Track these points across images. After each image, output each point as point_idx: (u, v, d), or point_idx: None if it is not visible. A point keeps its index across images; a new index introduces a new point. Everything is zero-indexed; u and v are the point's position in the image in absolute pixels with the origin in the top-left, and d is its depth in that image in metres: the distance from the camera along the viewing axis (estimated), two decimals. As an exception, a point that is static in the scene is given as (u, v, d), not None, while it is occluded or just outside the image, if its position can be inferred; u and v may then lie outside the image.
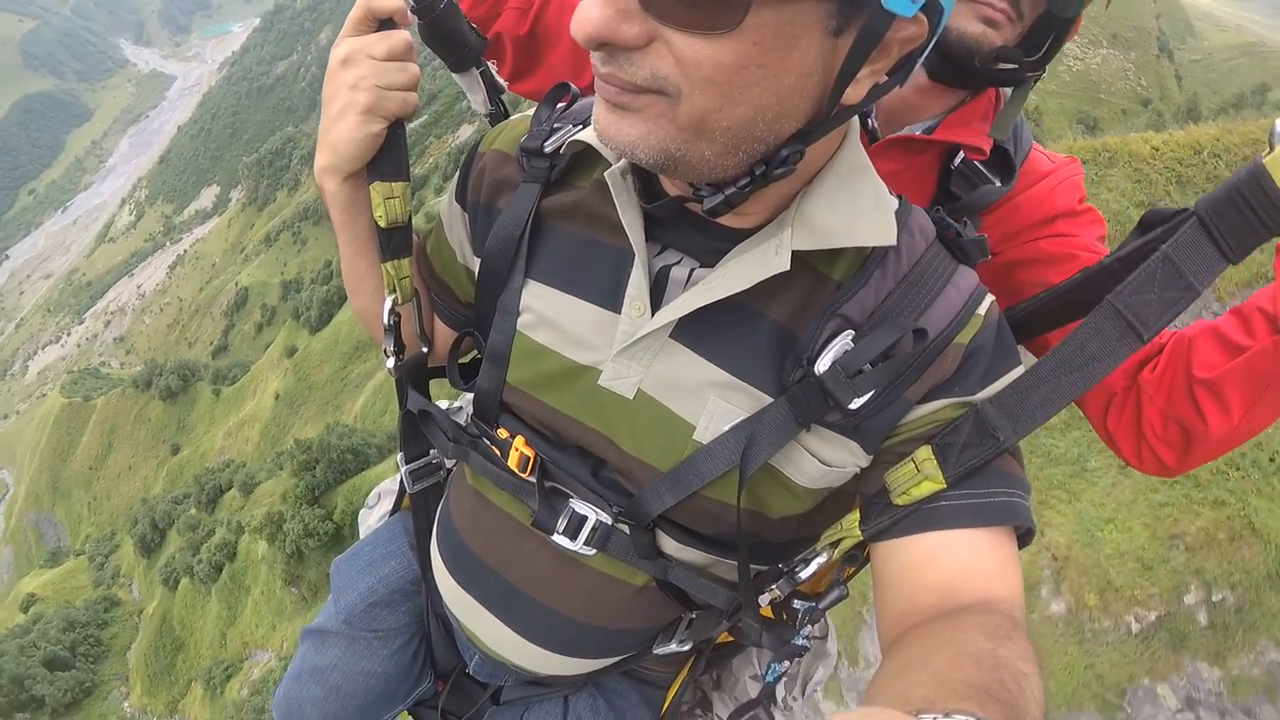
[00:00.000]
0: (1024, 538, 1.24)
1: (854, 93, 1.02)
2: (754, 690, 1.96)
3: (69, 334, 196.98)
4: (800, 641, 1.50)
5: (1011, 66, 1.71)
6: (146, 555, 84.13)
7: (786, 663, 1.67)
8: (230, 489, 72.23)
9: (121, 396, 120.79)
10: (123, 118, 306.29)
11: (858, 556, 1.38)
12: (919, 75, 1.78)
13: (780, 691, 1.83)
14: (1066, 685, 13.71)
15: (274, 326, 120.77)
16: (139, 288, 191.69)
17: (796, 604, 1.50)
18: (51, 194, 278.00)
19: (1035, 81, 1.80)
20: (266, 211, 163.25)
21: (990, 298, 1.25)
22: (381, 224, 1.50)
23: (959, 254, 1.27)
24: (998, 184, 1.81)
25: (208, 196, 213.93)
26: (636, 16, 0.91)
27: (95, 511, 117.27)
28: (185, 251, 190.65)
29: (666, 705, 1.86)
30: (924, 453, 1.20)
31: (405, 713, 2.09)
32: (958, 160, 1.82)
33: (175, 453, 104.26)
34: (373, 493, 2.31)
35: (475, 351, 1.73)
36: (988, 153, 1.83)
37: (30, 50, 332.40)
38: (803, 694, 1.90)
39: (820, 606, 1.45)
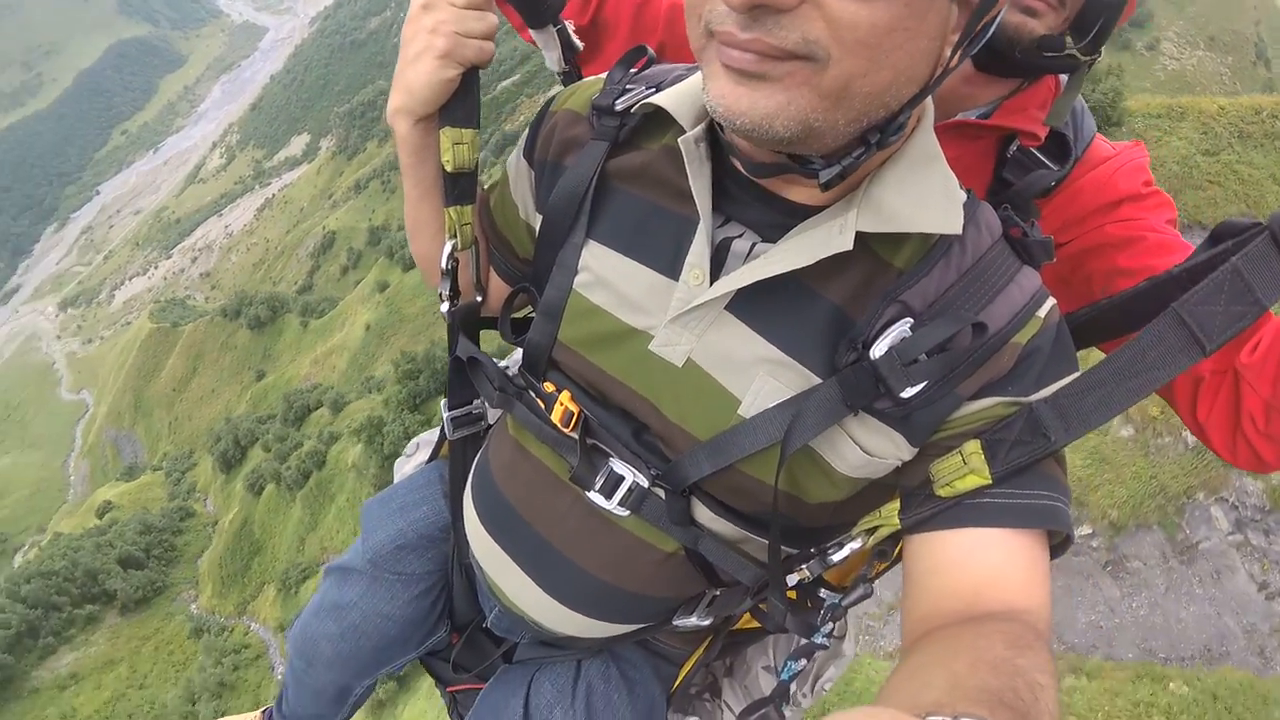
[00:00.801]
0: (1061, 545, 1.24)
1: (945, 53, 1.03)
2: (765, 681, 1.98)
3: (156, 267, 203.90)
4: (819, 640, 1.49)
5: (1056, 54, 1.69)
6: (225, 470, 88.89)
7: (804, 660, 1.67)
8: (319, 408, 75.95)
9: (209, 324, 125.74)
10: (215, 66, 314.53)
11: (888, 553, 1.37)
12: (966, 65, 1.74)
13: (792, 687, 1.84)
14: (1135, 494, 15.84)
15: (359, 269, 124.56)
16: (226, 227, 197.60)
17: (823, 593, 1.52)
18: (143, 135, 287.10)
19: (1089, 67, 1.75)
20: (356, 160, 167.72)
21: (1052, 301, 1.24)
22: (448, 168, 1.54)
23: (1024, 254, 1.26)
24: (1054, 169, 1.79)
25: (298, 144, 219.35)
26: None
27: (175, 431, 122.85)
28: (274, 195, 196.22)
29: (678, 682, 1.88)
30: (972, 446, 1.19)
31: (416, 661, 2.17)
32: (1013, 148, 1.80)
33: (260, 378, 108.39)
34: (411, 442, 2.39)
35: (529, 308, 1.74)
36: (1042, 138, 1.80)
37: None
38: (812, 691, 1.90)
39: (844, 603, 1.45)
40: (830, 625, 1.45)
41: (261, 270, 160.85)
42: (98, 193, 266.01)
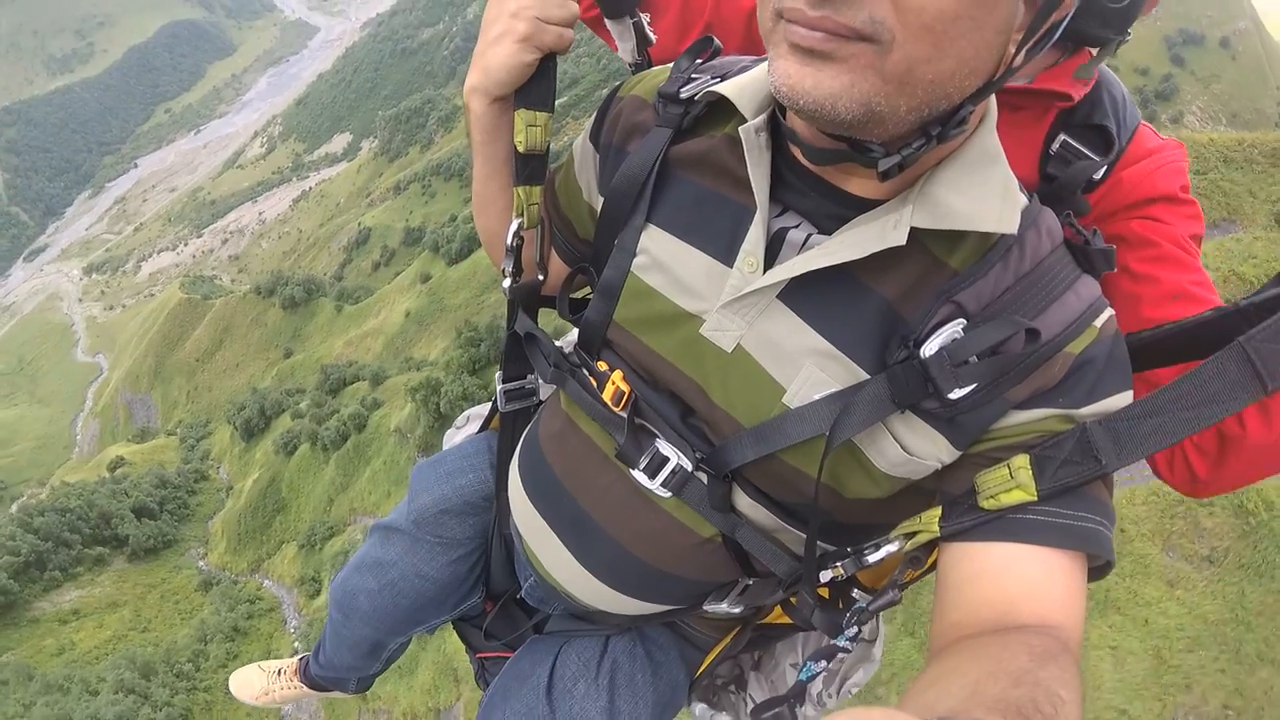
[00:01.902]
0: (1101, 570, 1.23)
1: (1010, 52, 1.03)
2: (792, 679, 2.00)
3: (186, 244, 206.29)
4: (843, 643, 1.45)
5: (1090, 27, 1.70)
6: (246, 439, 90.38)
7: (824, 662, 1.60)
8: (355, 382, 77.49)
9: (241, 300, 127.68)
10: (264, 58, 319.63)
11: (921, 560, 1.37)
12: None
13: (817, 686, 1.88)
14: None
15: (391, 266, 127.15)
16: (260, 214, 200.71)
17: (855, 594, 1.54)
18: (186, 116, 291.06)
19: (1119, 44, 1.77)
20: (397, 164, 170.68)
21: (1109, 312, 1.23)
22: (520, 149, 1.56)
23: (1084, 262, 1.26)
24: (1096, 159, 1.80)
25: (339, 142, 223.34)
26: None
27: (193, 400, 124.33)
28: (311, 188, 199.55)
29: (703, 668, 1.91)
30: (1020, 460, 1.18)
31: (450, 625, 2.28)
32: (1056, 144, 1.83)
33: (288, 356, 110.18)
34: (462, 415, 2.48)
35: (587, 288, 1.75)
36: (1075, 99, 1.82)
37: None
38: (838, 693, 1.89)
39: (871, 607, 1.42)
40: (856, 629, 1.44)
41: (291, 259, 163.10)
42: (135, 165, 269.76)
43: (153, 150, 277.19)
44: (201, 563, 76.41)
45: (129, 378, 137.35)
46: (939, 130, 1.07)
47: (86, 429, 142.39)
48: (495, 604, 2.17)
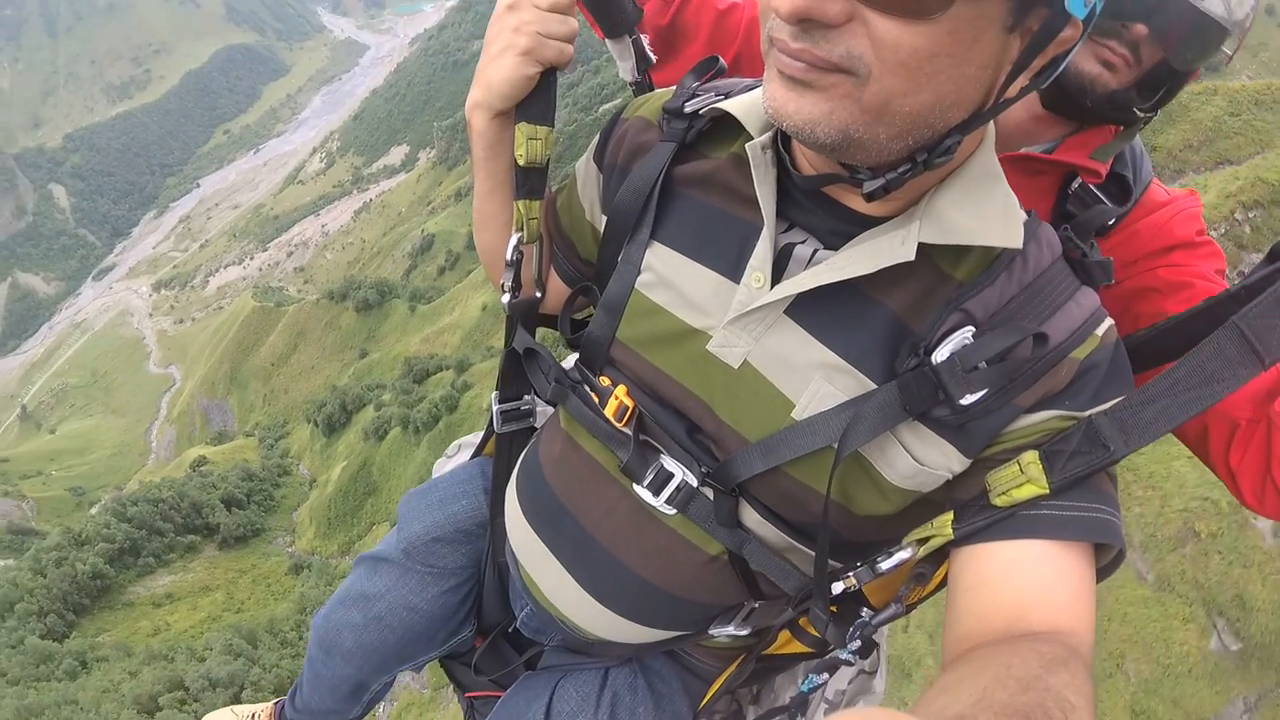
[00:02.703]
0: (1113, 561, 1.25)
1: (1012, 89, 1.07)
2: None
3: (252, 258, 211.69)
4: (844, 656, 1.46)
5: (1119, 107, 1.76)
6: (327, 434, 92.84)
7: (825, 674, 1.65)
8: (439, 371, 79.28)
9: (315, 305, 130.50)
10: (316, 77, 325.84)
11: (926, 575, 1.36)
12: (1034, 102, 1.83)
13: (792, 690, 1.90)
14: None
15: (456, 271, 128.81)
16: (324, 226, 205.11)
17: (863, 611, 1.48)
18: (245, 136, 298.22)
19: (1146, 123, 1.83)
20: (456, 171, 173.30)
21: (1109, 321, 1.26)
22: (521, 162, 1.58)
23: (1083, 274, 1.28)
24: (1112, 207, 1.84)
25: (397, 154, 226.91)
26: None
27: (270, 403, 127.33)
28: (371, 200, 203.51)
29: (707, 699, 1.86)
30: (1029, 456, 1.19)
31: (437, 662, 2.18)
32: (1075, 184, 1.86)
33: (363, 356, 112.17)
34: (453, 444, 2.42)
35: (588, 309, 1.76)
36: (1103, 176, 1.86)
37: (234, 5, 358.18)
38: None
39: (874, 621, 1.42)
40: (857, 642, 1.43)
41: (356, 268, 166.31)
42: (198, 185, 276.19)
43: (214, 170, 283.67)
44: (289, 549, 78.36)
45: (205, 384, 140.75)
46: (925, 157, 1.10)
47: (162, 436, 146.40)
48: (486, 639, 2.11)
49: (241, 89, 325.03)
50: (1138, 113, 1.79)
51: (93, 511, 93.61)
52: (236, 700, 44.21)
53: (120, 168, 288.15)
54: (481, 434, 2.20)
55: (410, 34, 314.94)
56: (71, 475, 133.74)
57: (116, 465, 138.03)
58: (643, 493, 1.46)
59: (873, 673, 1.85)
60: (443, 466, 2.31)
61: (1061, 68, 1.06)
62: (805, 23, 0.95)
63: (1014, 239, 1.18)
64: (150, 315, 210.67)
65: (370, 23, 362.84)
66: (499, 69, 1.51)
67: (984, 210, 1.19)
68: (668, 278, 1.41)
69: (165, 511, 76.52)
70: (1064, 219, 1.83)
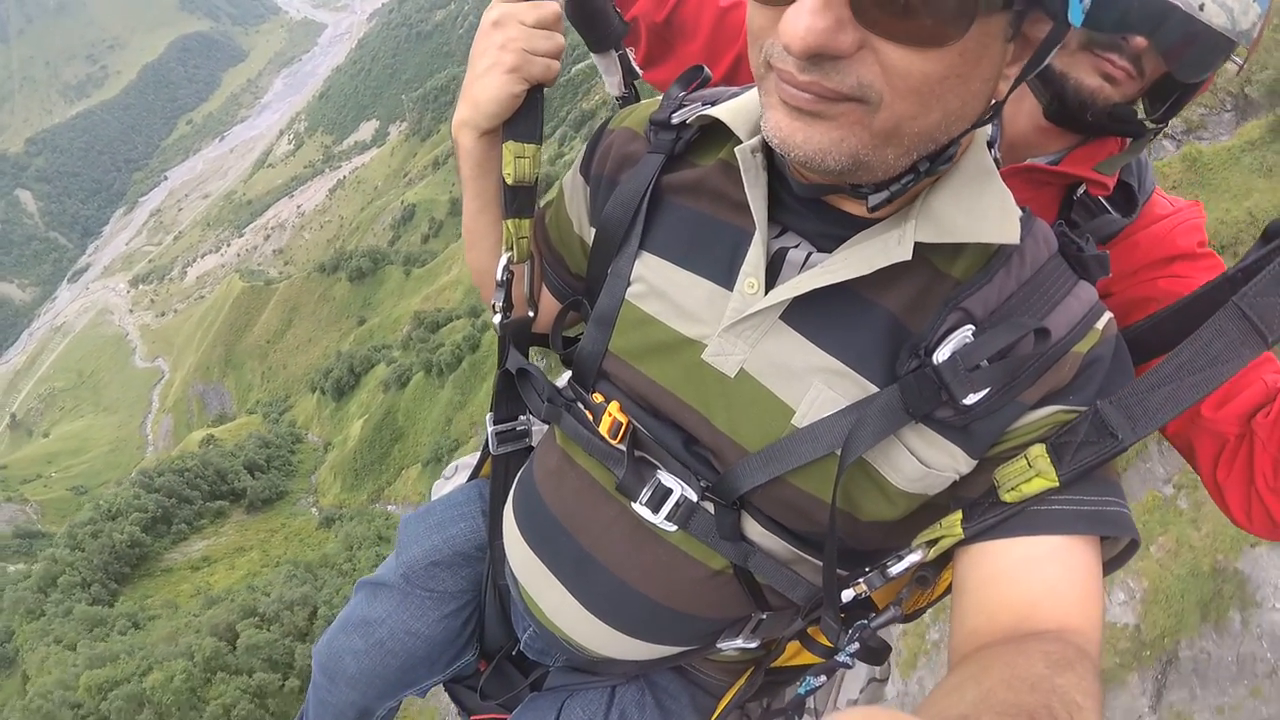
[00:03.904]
0: (1127, 551, 1.26)
1: (1001, 88, 1.07)
2: None
3: (229, 245, 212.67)
4: (842, 658, 1.46)
5: (1127, 121, 1.75)
6: (337, 398, 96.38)
7: (824, 677, 1.65)
8: (450, 321, 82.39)
9: (305, 280, 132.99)
10: (276, 60, 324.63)
11: (929, 580, 1.36)
12: (1038, 114, 1.82)
13: (811, 703, 1.84)
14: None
15: (440, 238, 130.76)
16: (299, 207, 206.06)
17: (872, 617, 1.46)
18: (209, 125, 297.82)
19: (1157, 134, 1.80)
20: (430, 142, 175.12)
21: (1108, 315, 1.26)
22: (509, 181, 1.58)
23: (1079, 269, 1.28)
24: (1118, 217, 1.83)
25: (367, 130, 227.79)
26: (850, 25, 0.93)
27: (268, 380, 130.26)
28: (345, 176, 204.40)
29: (716, 714, 1.81)
30: (1037, 450, 1.19)
31: (441, 686, 2.14)
32: (1080, 191, 1.85)
33: (362, 323, 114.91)
34: (450, 465, 2.40)
35: (580, 325, 1.69)
36: (1110, 188, 1.85)
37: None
38: None
39: (872, 624, 1.42)
40: (856, 644, 1.43)
41: (336, 245, 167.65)
42: (165, 178, 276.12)
43: (180, 161, 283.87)
44: (314, 509, 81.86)
45: (199, 370, 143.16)
46: (927, 166, 1.13)
47: (158, 426, 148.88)
48: (489, 662, 2.10)
49: (201, 78, 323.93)
50: (1146, 124, 1.80)
51: (118, 487, 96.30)
52: (313, 619, 47.41)
53: (85, 167, 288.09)
54: (478, 455, 2.21)
55: (368, 9, 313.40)
56: (71, 475, 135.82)
57: (115, 461, 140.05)
58: (641, 510, 1.44)
59: (884, 680, 2.03)
60: (441, 489, 2.33)
61: (1048, 59, 1.06)
62: (815, 57, 0.95)
63: (1011, 235, 1.18)
64: (131, 311, 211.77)
65: (326, 1, 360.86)
66: (485, 87, 1.52)
67: (979, 207, 1.19)
68: (659, 287, 1.41)
69: (191, 480, 79.87)
70: (1070, 227, 1.79)
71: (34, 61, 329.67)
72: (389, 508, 69.88)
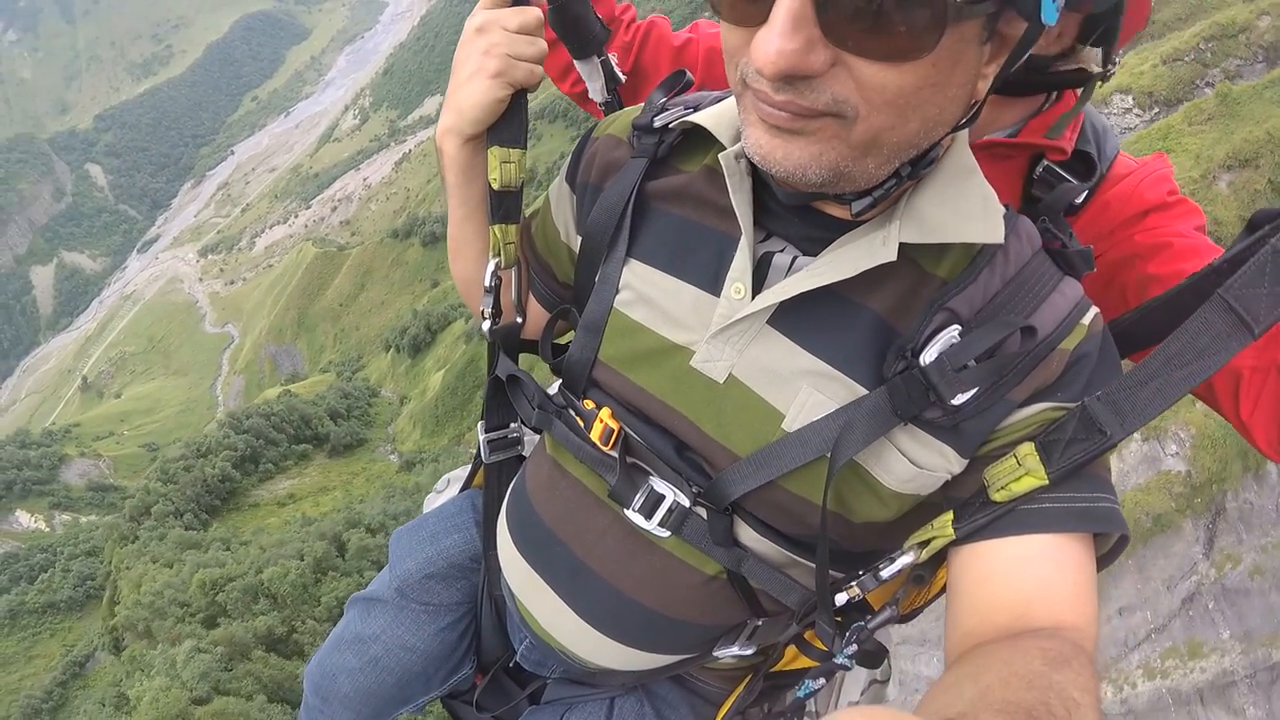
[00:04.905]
0: (1118, 546, 1.26)
1: (980, 88, 1.07)
2: None
3: (296, 216, 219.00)
4: (841, 660, 1.47)
5: (1068, 69, 1.74)
6: (413, 355, 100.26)
7: (822, 680, 1.66)
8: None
9: (379, 245, 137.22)
10: (338, 38, 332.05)
11: (925, 578, 1.35)
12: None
13: (812, 706, 1.84)
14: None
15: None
16: (365, 180, 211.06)
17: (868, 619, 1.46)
18: (274, 101, 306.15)
19: (1097, 81, 1.79)
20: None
21: (1095, 310, 1.26)
22: (495, 186, 1.59)
23: (1064, 264, 1.28)
24: (1078, 183, 1.82)
25: (431, 105, 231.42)
26: (821, 45, 0.93)
27: (340, 341, 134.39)
28: (411, 150, 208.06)
29: None
30: (1026, 448, 1.19)
31: (438, 702, 2.12)
32: (1040, 168, 1.85)
33: (435, 286, 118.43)
34: (442, 479, 2.39)
35: (569, 333, 1.69)
36: (1068, 153, 1.85)
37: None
38: None
39: (870, 625, 1.43)
40: (854, 646, 1.44)
41: (403, 216, 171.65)
42: (232, 153, 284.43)
43: (247, 136, 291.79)
44: (392, 456, 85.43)
45: (271, 333, 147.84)
46: (909, 170, 1.14)
47: (229, 387, 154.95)
48: (486, 675, 2.07)
49: (265, 55, 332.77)
50: (1089, 70, 1.76)
51: (209, 427, 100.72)
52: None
53: (153, 142, 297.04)
54: (470, 466, 2.20)
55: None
56: (143, 433, 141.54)
57: (186, 421, 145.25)
58: (634, 517, 1.44)
59: (885, 681, 2.44)
60: (433, 502, 2.32)
61: (1026, 55, 1.06)
62: (788, 77, 0.96)
63: (995, 234, 1.19)
64: (200, 280, 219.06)
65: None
66: (469, 93, 1.53)
67: (963, 206, 1.20)
68: (646, 294, 1.41)
69: (277, 424, 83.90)
70: (1034, 203, 1.85)
71: (100, 41, 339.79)
72: (471, 452, 72.65)
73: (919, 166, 1.14)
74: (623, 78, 2.05)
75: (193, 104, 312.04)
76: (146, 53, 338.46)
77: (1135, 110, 17.52)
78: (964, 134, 1.25)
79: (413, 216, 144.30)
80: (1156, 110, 17.74)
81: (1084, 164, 1.85)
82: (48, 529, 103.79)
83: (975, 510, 1.23)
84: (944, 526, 1.25)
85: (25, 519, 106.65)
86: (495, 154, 1.58)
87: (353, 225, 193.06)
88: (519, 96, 1.57)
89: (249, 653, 43.62)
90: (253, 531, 67.91)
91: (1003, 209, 1.24)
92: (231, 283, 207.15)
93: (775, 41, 0.92)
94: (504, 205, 1.63)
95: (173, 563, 57.64)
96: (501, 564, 1.76)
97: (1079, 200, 1.84)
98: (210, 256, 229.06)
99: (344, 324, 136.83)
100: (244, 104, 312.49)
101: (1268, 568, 12.67)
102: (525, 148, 1.62)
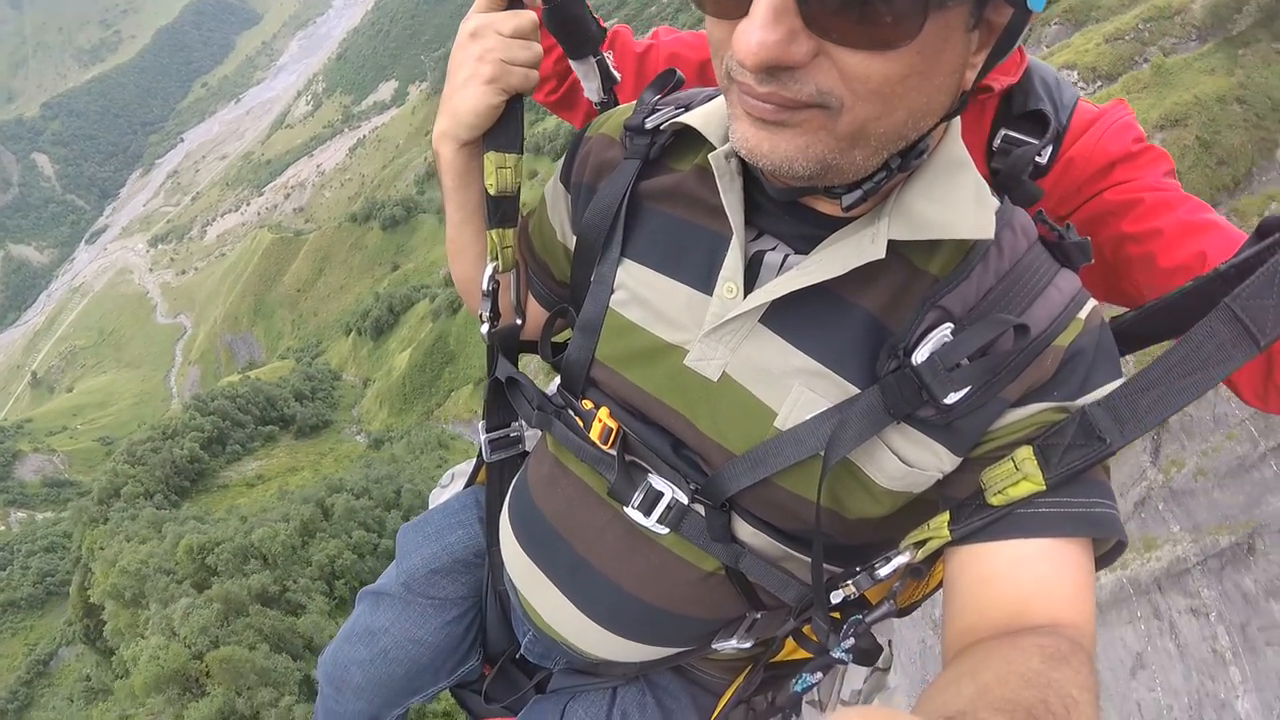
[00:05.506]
0: (1114, 550, 1.25)
1: (969, 77, 1.07)
2: (810, 716, 2.01)
3: (249, 204, 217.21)
4: (838, 654, 1.47)
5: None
6: (375, 337, 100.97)
7: (820, 673, 1.67)
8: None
9: (337, 229, 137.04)
10: (290, 23, 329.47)
11: (923, 572, 1.36)
12: None
13: (810, 693, 1.89)
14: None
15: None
16: (319, 166, 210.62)
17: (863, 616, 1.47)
18: (224, 87, 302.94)
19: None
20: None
21: (1092, 303, 1.25)
22: (491, 191, 1.59)
23: (1060, 256, 1.27)
24: (1034, 142, 1.77)
25: (386, 90, 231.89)
26: (802, 36, 0.93)
27: (299, 327, 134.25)
28: (366, 136, 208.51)
29: (717, 712, 1.85)
30: (1024, 452, 1.19)
31: (447, 692, 2.17)
32: (998, 141, 1.81)
33: (395, 269, 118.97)
34: (446, 474, 2.45)
35: (568, 332, 1.71)
36: (996, 91, 1.81)
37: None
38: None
39: (867, 619, 1.44)
40: (851, 639, 1.45)
41: (358, 202, 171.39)
42: (182, 140, 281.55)
43: (197, 123, 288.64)
44: (358, 437, 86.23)
45: (226, 320, 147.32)
46: (899, 163, 1.12)
47: (184, 378, 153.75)
48: (493, 666, 2.13)
49: (215, 41, 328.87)
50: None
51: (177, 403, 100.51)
52: (399, 494, 51.81)
53: (101, 130, 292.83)
54: (473, 462, 2.26)
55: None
56: (97, 427, 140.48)
57: (141, 413, 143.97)
58: (633, 514, 1.46)
59: (887, 669, 1.94)
60: (438, 497, 2.37)
61: (1018, 43, 1.06)
62: (771, 69, 0.96)
63: (985, 230, 1.18)
64: (150, 270, 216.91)
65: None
66: (464, 99, 1.53)
67: (953, 201, 1.19)
68: (641, 294, 1.42)
69: (243, 405, 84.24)
70: (993, 175, 1.73)
71: (47, 27, 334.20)
72: (441, 426, 74.07)
73: (909, 158, 1.13)
74: (618, 76, 2.08)
75: (142, 91, 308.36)
76: (95, 38, 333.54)
77: (1080, 84, 19.47)
78: (956, 126, 1.25)
79: (371, 200, 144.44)
80: (1099, 83, 20.01)
81: (1039, 122, 1.83)
82: (3, 527, 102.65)
83: (972, 513, 1.23)
84: (940, 528, 1.25)
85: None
86: (491, 159, 1.59)
87: (307, 212, 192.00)
88: (514, 101, 1.58)
89: (246, 609, 44.22)
90: (226, 510, 68.40)
91: (996, 202, 1.25)
92: (183, 272, 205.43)
93: (756, 33, 0.92)
94: (501, 210, 1.64)
95: (147, 539, 57.79)
96: (504, 559, 1.80)
97: (1044, 160, 1.83)
98: (160, 246, 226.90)
99: (302, 310, 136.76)
100: (194, 90, 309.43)
101: (1209, 469, 14.41)
102: (521, 152, 1.63)
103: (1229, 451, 14.37)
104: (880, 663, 1.62)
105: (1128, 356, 1.45)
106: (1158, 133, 16.42)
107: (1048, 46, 22.83)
